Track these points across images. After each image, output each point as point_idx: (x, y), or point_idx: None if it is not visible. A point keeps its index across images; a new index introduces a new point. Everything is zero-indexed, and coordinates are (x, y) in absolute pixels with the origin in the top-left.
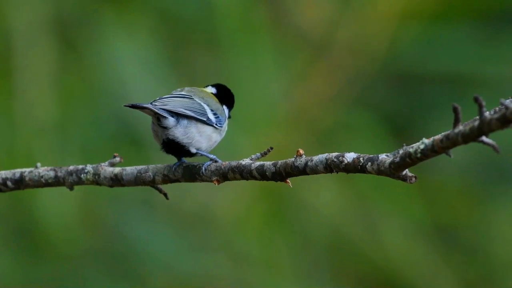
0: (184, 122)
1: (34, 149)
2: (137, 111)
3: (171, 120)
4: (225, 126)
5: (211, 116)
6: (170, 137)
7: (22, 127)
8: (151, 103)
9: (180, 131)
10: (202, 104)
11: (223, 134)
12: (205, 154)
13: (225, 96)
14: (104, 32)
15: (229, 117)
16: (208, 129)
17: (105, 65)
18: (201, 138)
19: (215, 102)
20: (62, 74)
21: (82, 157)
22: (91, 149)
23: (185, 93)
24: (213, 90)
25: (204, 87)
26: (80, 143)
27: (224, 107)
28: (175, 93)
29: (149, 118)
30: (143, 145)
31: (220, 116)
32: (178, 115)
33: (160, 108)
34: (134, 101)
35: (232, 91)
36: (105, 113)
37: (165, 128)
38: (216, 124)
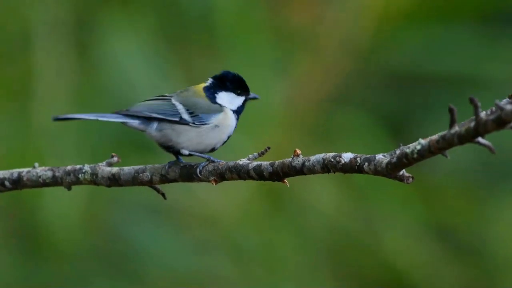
0: (154, 124)
1: (39, 151)
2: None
3: (135, 123)
4: (218, 121)
5: (185, 115)
6: (152, 139)
7: (26, 128)
8: (126, 110)
9: (157, 133)
10: (177, 104)
11: (227, 130)
12: (199, 154)
13: (233, 83)
14: (107, 33)
15: (252, 97)
16: (187, 128)
17: (109, 66)
18: (182, 139)
19: (197, 99)
20: (67, 74)
21: (89, 158)
22: (98, 150)
23: (166, 94)
24: (209, 82)
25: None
26: (87, 144)
27: (234, 95)
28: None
29: None
30: (147, 146)
31: (199, 114)
32: (147, 119)
33: (120, 114)
34: (136, 100)
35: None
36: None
37: (142, 131)
38: (193, 123)
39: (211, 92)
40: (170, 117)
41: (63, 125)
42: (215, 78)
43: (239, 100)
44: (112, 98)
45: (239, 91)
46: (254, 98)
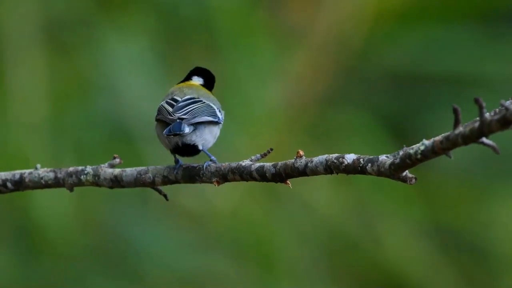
0: (202, 127)
1: (29, 150)
2: (135, 111)
3: (190, 128)
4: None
5: (219, 115)
6: (187, 142)
7: (17, 127)
8: (171, 114)
9: (197, 135)
10: (212, 105)
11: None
12: (209, 154)
13: (210, 79)
14: (101, 33)
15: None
16: (215, 127)
17: (102, 66)
18: (211, 137)
19: (213, 96)
20: (57, 74)
21: (77, 157)
22: (86, 149)
23: (193, 96)
24: (200, 80)
25: (187, 79)
26: (74, 143)
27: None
28: (179, 94)
29: (148, 119)
30: (138, 144)
31: (222, 112)
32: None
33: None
34: (130, 100)
35: (230, 92)
36: (100, 113)
37: (183, 136)
38: (221, 121)
39: (208, 89)
40: (215, 118)
41: (47, 124)
42: (200, 75)
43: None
44: (101, 97)
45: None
46: None
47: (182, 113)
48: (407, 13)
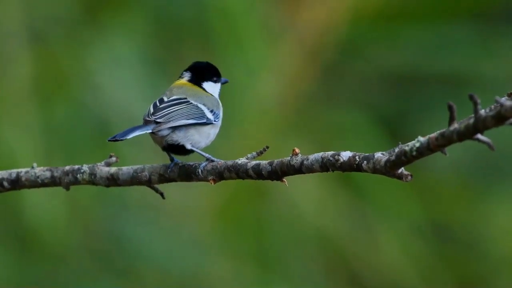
0: (183, 128)
1: (18, 148)
2: (125, 110)
3: (166, 132)
4: (221, 115)
5: (209, 115)
6: (170, 142)
7: (6, 126)
8: (149, 116)
9: (180, 135)
10: (199, 105)
11: (220, 123)
12: (201, 153)
13: (209, 72)
14: (91, 33)
15: (224, 82)
16: (206, 127)
17: (91, 65)
18: (200, 137)
19: (207, 97)
20: (46, 74)
21: (67, 156)
22: (75, 148)
23: (180, 97)
24: (187, 76)
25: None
26: (64, 142)
27: (213, 83)
28: (168, 94)
29: (138, 118)
30: (127, 143)
31: (216, 111)
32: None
33: (160, 124)
34: (121, 100)
35: (224, 90)
36: (90, 112)
37: (165, 136)
38: (214, 121)
39: (199, 84)
40: (201, 120)
41: (36, 123)
42: (190, 71)
43: (217, 87)
44: (95, 98)
45: (215, 79)
46: (226, 82)
47: (158, 116)
48: (403, 11)
